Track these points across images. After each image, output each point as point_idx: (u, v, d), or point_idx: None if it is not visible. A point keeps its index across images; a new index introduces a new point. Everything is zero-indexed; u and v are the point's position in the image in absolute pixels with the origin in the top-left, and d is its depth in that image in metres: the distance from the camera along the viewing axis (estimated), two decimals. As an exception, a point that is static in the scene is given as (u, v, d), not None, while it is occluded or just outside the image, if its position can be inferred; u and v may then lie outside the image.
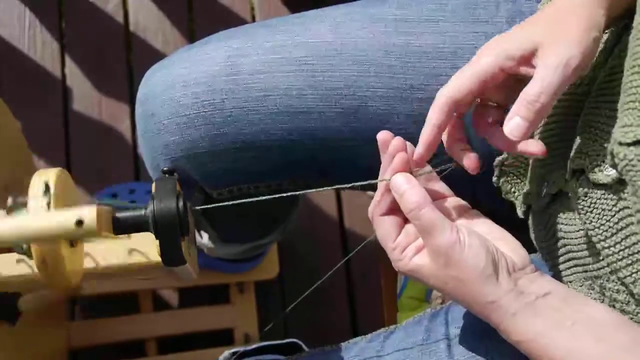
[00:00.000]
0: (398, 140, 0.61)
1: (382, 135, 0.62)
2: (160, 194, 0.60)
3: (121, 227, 0.60)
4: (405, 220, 0.61)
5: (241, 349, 0.80)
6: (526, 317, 0.56)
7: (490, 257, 0.56)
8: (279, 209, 0.98)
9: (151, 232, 0.60)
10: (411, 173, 0.61)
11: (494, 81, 0.59)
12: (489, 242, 0.57)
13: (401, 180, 0.59)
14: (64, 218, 0.53)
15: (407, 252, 0.59)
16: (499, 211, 0.80)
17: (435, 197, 0.63)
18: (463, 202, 0.63)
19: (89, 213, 0.53)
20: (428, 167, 0.64)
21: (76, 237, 0.53)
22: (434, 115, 0.60)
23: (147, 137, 0.80)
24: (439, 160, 0.64)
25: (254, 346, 0.79)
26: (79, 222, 0.52)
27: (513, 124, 0.57)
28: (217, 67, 0.77)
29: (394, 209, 0.61)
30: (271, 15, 1.50)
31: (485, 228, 0.60)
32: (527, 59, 0.58)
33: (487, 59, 0.58)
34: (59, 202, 0.57)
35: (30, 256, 0.57)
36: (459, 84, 0.59)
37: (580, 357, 0.54)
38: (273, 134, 0.76)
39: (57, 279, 0.58)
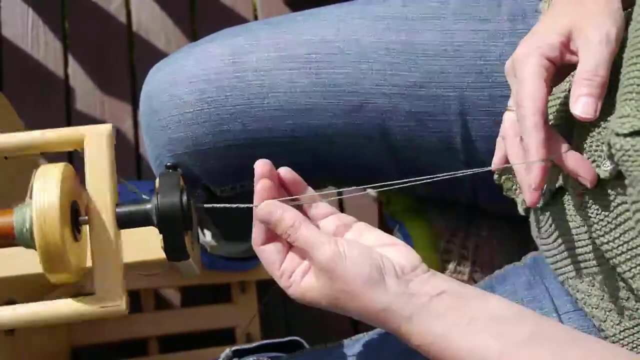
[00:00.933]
0: (260, 166, 0.59)
1: (258, 168, 0.60)
2: (164, 189, 0.60)
3: (125, 221, 0.61)
4: (290, 246, 0.59)
5: (242, 346, 0.80)
6: (422, 319, 0.54)
7: (374, 263, 0.55)
8: None
9: (155, 226, 0.60)
10: (293, 197, 0.60)
11: (550, 77, 0.57)
12: (372, 251, 0.56)
13: (269, 209, 0.58)
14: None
15: (295, 277, 0.58)
16: (500, 209, 0.80)
17: (320, 217, 0.62)
18: (349, 218, 0.61)
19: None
20: (310, 189, 0.62)
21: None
22: (537, 136, 0.56)
23: (151, 134, 0.80)
24: None
25: (255, 344, 0.79)
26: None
27: (581, 104, 0.55)
28: (221, 65, 0.77)
29: (274, 236, 0.59)
30: (273, 15, 1.50)
31: (373, 237, 0.59)
32: (567, 44, 0.57)
33: (532, 59, 0.57)
34: (64, 195, 0.58)
35: (34, 247, 0.57)
36: (537, 95, 0.56)
37: (481, 355, 0.53)
38: (276, 131, 0.77)
39: (60, 273, 0.59)
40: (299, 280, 0.58)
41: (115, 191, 0.61)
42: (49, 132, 0.61)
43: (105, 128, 0.61)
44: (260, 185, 0.59)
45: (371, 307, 0.55)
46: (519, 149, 0.60)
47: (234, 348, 0.81)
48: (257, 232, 0.59)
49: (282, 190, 0.61)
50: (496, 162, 0.65)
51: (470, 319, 0.54)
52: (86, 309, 0.59)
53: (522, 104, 0.57)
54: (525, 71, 0.57)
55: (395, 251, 0.57)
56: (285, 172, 0.61)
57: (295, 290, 0.58)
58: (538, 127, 0.56)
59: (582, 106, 0.55)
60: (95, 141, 0.61)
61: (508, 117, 0.63)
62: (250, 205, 0.60)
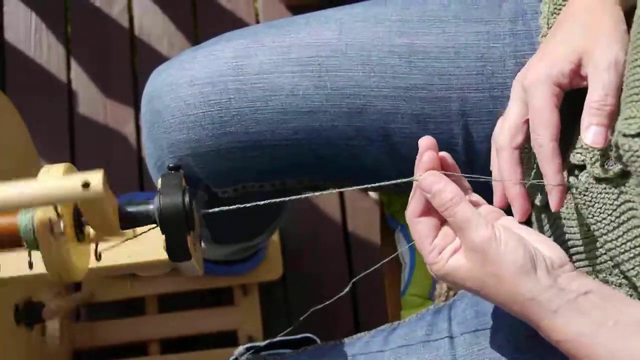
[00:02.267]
0: (427, 140, 0.60)
1: (423, 141, 0.61)
2: (167, 189, 0.60)
3: (127, 222, 0.61)
4: (443, 222, 0.59)
5: (255, 344, 0.80)
6: (568, 315, 0.54)
7: (527, 253, 0.55)
8: (272, 211, 0.98)
9: (157, 227, 0.60)
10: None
11: (559, 103, 0.60)
12: (526, 240, 0.56)
13: (432, 179, 0.58)
14: (71, 181, 0.52)
15: (444, 254, 0.58)
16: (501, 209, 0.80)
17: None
18: (497, 209, 0.62)
19: (95, 176, 0.52)
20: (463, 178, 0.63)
21: (83, 198, 0.53)
22: (554, 164, 0.60)
23: (153, 136, 0.81)
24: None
25: (267, 342, 0.80)
26: (86, 185, 0.52)
27: (592, 133, 0.57)
28: (223, 67, 0.78)
29: (430, 209, 0.59)
30: (275, 19, 1.51)
31: (522, 230, 0.59)
32: (577, 71, 0.59)
33: (544, 87, 0.59)
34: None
35: (37, 248, 0.58)
36: (551, 122, 0.59)
37: (624, 357, 0.53)
38: (279, 133, 0.77)
39: (63, 273, 0.59)
40: (447, 257, 0.58)
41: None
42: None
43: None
44: (427, 156, 0.59)
45: (519, 295, 0.55)
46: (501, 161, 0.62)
47: (247, 345, 0.81)
48: (414, 203, 0.60)
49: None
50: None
51: (615, 321, 0.54)
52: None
53: (539, 132, 0.59)
54: (539, 99, 0.59)
55: (545, 246, 0.58)
56: (446, 155, 0.61)
57: (441, 268, 0.58)
58: (555, 154, 0.59)
59: (593, 136, 0.57)
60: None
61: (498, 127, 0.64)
62: (413, 179, 0.60)
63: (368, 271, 0.67)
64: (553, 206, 0.60)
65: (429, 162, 0.59)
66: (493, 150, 0.64)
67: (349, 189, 0.67)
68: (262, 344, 0.79)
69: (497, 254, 0.55)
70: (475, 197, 0.63)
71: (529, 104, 0.60)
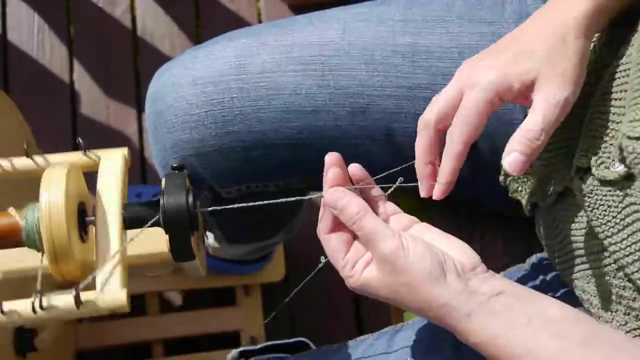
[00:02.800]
0: (331, 156, 0.61)
1: (327, 157, 0.61)
2: (170, 190, 0.60)
3: (132, 222, 0.61)
4: (355, 237, 0.60)
5: (249, 348, 0.80)
6: (481, 318, 0.55)
7: (435, 259, 0.56)
8: (285, 210, 0.98)
9: (161, 227, 0.60)
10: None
11: (492, 111, 0.60)
12: (434, 247, 0.57)
13: (337, 195, 0.59)
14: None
15: (357, 267, 0.59)
16: (505, 210, 0.80)
17: (384, 218, 0.62)
18: (412, 218, 0.62)
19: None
20: (377, 188, 0.63)
21: None
22: (456, 162, 0.60)
23: (157, 136, 0.80)
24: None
25: (261, 345, 0.80)
26: None
27: (512, 159, 0.58)
28: (226, 67, 0.78)
29: (341, 225, 0.60)
30: (277, 19, 1.51)
31: (434, 236, 0.60)
32: (524, 92, 0.59)
33: (484, 94, 0.59)
34: (71, 196, 0.58)
35: (40, 250, 0.58)
36: (473, 125, 0.59)
37: (539, 355, 0.53)
38: (282, 132, 0.77)
39: (66, 273, 0.59)
40: (360, 270, 0.58)
41: (124, 192, 0.61)
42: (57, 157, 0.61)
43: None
44: (331, 173, 0.60)
45: (431, 302, 0.56)
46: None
47: (240, 349, 0.81)
48: (324, 220, 0.60)
49: (350, 184, 0.62)
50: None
51: (528, 320, 0.54)
52: (88, 306, 0.60)
53: (457, 128, 0.60)
54: (473, 101, 0.59)
55: (456, 250, 0.58)
56: (354, 169, 0.62)
57: (356, 281, 0.58)
58: (459, 156, 0.60)
59: (512, 161, 0.58)
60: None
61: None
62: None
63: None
64: (435, 196, 0.62)
65: (333, 179, 0.60)
66: (418, 128, 0.64)
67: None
68: (256, 347, 0.78)
69: (405, 263, 0.56)
70: (391, 207, 0.63)
71: (464, 98, 0.60)
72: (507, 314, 0.55)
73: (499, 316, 0.55)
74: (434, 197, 0.62)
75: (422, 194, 0.63)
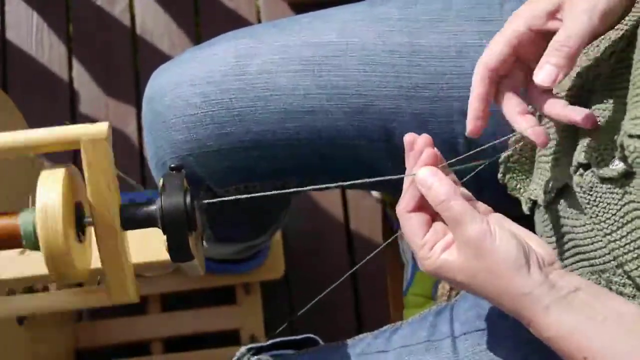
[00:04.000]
0: (425, 138, 0.61)
1: (409, 137, 0.61)
2: (168, 190, 0.60)
3: (129, 223, 0.61)
4: (433, 218, 0.60)
5: (257, 344, 0.80)
6: (559, 311, 0.55)
7: (521, 248, 0.56)
8: (273, 210, 0.98)
9: (159, 227, 0.60)
10: None
11: (525, 42, 0.59)
12: (519, 236, 0.57)
13: (428, 173, 0.59)
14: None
15: (436, 248, 0.58)
16: (504, 208, 0.80)
17: None
18: (485, 206, 0.62)
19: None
20: (452, 174, 0.63)
21: (87, 136, 0.57)
22: (476, 86, 0.61)
23: (154, 136, 0.80)
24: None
25: (269, 342, 0.80)
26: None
27: (543, 71, 0.57)
28: (225, 67, 0.77)
29: (422, 206, 0.60)
30: (277, 18, 1.50)
31: (512, 227, 0.59)
32: (553, 13, 0.59)
33: (515, 22, 0.60)
34: (68, 196, 0.58)
35: (38, 249, 0.57)
36: (492, 50, 0.60)
37: (614, 353, 0.54)
38: (280, 133, 0.77)
39: (64, 274, 0.59)
40: (439, 252, 0.58)
41: (117, 192, 0.61)
42: (40, 131, 0.60)
43: (101, 128, 0.59)
44: (427, 152, 0.60)
45: (512, 290, 0.55)
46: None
47: (249, 346, 0.81)
48: (407, 198, 0.60)
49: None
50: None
51: (604, 317, 0.54)
52: (99, 299, 0.61)
53: (483, 53, 0.61)
54: (503, 30, 0.60)
55: (535, 242, 0.58)
56: (438, 153, 0.62)
57: (432, 263, 0.58)
58: (479, 78, 0.61)
59: (543, 73, 0.57)
60: (92, 143, 0.60)
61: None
62: (410, 175, 0.61)
63: (369, 257, 0.69)
64: (467, 132, 0.63)
65: (427, 158, 0.60)
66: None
67: (348, 183, 0.66)
68: (265, 344, 0.78)
69: (491, 248, 0.55)
70: (465, 192, 0.63)
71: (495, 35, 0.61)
72: (585, 310, 0.55)
73: (577, 312, 0.55)
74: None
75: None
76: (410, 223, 0.59)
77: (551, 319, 0.55)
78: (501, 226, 0.57)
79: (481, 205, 0.62)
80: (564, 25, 0.58)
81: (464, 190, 0.62)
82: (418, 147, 0.60)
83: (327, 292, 0.69)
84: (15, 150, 0.60)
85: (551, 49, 0.57)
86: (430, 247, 0.58)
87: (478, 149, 0.66)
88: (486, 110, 0.62)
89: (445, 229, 0.59)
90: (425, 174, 0.59)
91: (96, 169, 0.60)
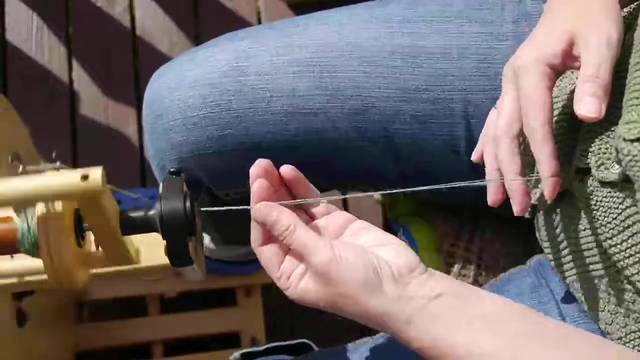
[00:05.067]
0: (256, 167, 0.58)
1: (253, 169, 0.59)
2: (168, 194, 0.60)
3: (129, 227, 0.61)
4: (289, 247, 0.58)
5: (251, 349, 0.80)
6: (422, 323, 0.54)
7: (369, 267, 0.54)
8: None
9: (158, 232, 0.60)
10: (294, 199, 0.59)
11: (552, 85, 0.58)
12: (367, 253, 0.55)
13: (265, 211, 0.57)
14: (70, 175, 0.52)
15: (292, 279, 0.57)
16: (505, 212, 0.80)
17: (320, 215, 0.61)
18: (348, 215, 0.60)
19: (94, 170, 0.53)
20: (313, 189, 0.61)
21: (82, 191, 0.53)
22: (548, 148, 0.57)
23: (154, 138, 0.80)
24: None
25: (263, 347, 0.79)
26: (85, 177, 0.52)
27: (585, 103, 0.55)
28: (224, 69, 0.77)
29: (272, 237, 0.58)
30: (277, 19, 1.50)
31: (370, 237, 0.58)
32: (569, 52, 0.57)
33: (535, 68, 0.57)
34: (68, 202, 0.58)
35: (37, 256, 0.57)
36: (543, 107, 0.57)
37: (481, 355, 0.53)
38: (280, 134, 0.77)
39: (63, 279, 0.59)
40: (296, 281, 0.57)
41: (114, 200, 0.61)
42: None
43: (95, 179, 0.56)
44: (257, 185, 0.58)
45: (369, 311, 0.54)
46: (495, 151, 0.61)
47: (243, 351, 0.81)
48: (255, 233, 0.59)
49: (283, 189, 0.60)
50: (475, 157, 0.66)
51: (469, 320, 0.53)
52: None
53: (530, 115, 0.57)
54: (529, 81, 0.57)
55: (393, 252, 0.56)
56: (286, 170, 0.59)
57: (294, 292, 0.57)
58: (548, 138, 0.57)
59: (586, 105, 0.55)
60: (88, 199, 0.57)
61: (491, 117, 0.63)
62: (247, 207, 0.59)
63: None
64: (547, 195, 0.58)
65: (259, 191, 0.58)
66: (486, 143, 0.62)
67: (333, 197, 0.63)
68: (259, 349, 0.78)
69: (338, 274, 0.54)
70: (324, 207, 0.61)
71: (520, 87, 0.58)
72: (448, 316, 0.54)
73: (439, 319, 0.54)
74: (549, 198, 0.58)
75: (517, 211, 0.60)
76: (265, 256, 0.58)
77: (414, 331, 0.54)
78: (348, 247, 0.55)
79: (341, 216, 0.60)
80: (587, 60, 0.56)
81: (323, 205, 0.60)
82: (251, 179, 0.58)
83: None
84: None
85: (584, 83, 0.55)
86: (287, 277, 0.57)
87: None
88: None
89: (300, 257, 0.57)
90: (260, 212, 0.57)
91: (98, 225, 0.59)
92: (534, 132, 0.57)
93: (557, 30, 0.58)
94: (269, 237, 0.58)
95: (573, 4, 0.60)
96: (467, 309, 0.54)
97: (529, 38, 0.61)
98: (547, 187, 0.58)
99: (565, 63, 0.58)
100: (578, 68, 0.57)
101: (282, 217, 0.56)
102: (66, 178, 0.53)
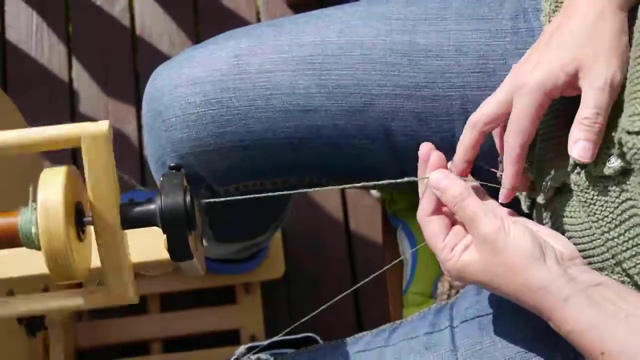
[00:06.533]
0: (430, 145, 0.64)
1: (424, 148, 0.64)
2: (168, 189, 0.60)
3: (129, 222, 0.61)
4: (453, 222, 0.61)
5: (257, 343, 0.80)
6: (579, 305, 0.54)
7: (536, 242, 0.57)
8: (274, 209, 0.98)
9: (159, 226, 0.60)
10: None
11: (544, 111, 0.61)
12: (534, 232, 0.58)
13: (440, 176, 0.61)
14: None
15: (456, 250, 0.59)
16: (503, 205, 0.80)
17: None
18: (505, 208, 0.63)
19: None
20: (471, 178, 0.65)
21: (88, 134, 0.58)
22: (517, 167, 0.62)
23: (154, 135, 0.81)
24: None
25: (268, 341, 0.80)
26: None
27: (579, 148, 0.58)
28: (224, 66, 0.78)
29: (440, 209, 0.61)
30: (276, 17, 1.51)
31: (531, 225, 0.60)
32: (572, 82, 0.59)
33: (534, 95, 0.59)
34: (68, 196, 0.58)
35: (39, 249, 0.58)
36: (524, 132, 0.60)
37: (635, 350, 0.53)
38: (280, 131, 0.77)
39: (65, 273, 0.59)
40: (459, 254, 0.59)
41: (117, 191, 0.61)
42: (41, 129, 0.61)
43: (102, 126, 0.60)
44: (435, 156, 0.63)
45: (530, 284, 0.56)
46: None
47: (248, 345, 0.81)
48: (425, 203, 0.62)
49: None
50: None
51: (627, 314, 0.54)
52: (99, 299, 0.62)
53: (512, 135, 0.60)
54: (524, 105, 0.60)
55: (555, 239, 0.59)
56: (443, 156, 0.64)
57: (454, 264, 0.59)
58: (519, 159, 0.61)
59: (580, 150, 0.58)
60: (93, 141, 0.60)
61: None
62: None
63: (371, 277, 0.70)
64: (501, 200, 0.62)
65: (436, 161, 0.62)
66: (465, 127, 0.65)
67: (349, 185, 0.68)
68: (264, 343, 0.78)
69: (505, 243, 0.56)
70: (482, 192, 0.64)
71: (514, 104, 0.61)
72: (606, 305, 0.54)
73: (597, 306, 0.54)
74: (500, 201, 0.63)
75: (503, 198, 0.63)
76: (431, 227, 0.61)
77: (570, 311, 0.55)
78: (517, 222, 0.58)
79: (496, 205, 0.63)
80: (588, 101, 0.58)
81: (480, 190, 0.64)
82: (423, 154, 0.63)
83: (327, 292, 0.69)
84: (16, 148, 0.60)
85: (581, 126, 0.58)
86: (450, 249, 0.60)
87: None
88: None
89: (465, 231, 0.60)
90: (437, 176, 0.61)
91: (97, 167, 0.60)
92: (510, 150, 0.61)
93: (565, 58, 0.59)
94: (438, 208, 0.61)
95: (584, 27, 0.60)
96: (626, 304, 0.54)
97: (535, 50, 0.62)
98: (502, 196, 0.63)
99: (564, 92, 0.60)
100: (574, 95, 0.60)
101: (455, 184, 0.60)
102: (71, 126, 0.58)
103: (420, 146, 0.64)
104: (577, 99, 0.60)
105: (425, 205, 0.62)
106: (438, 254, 0.60)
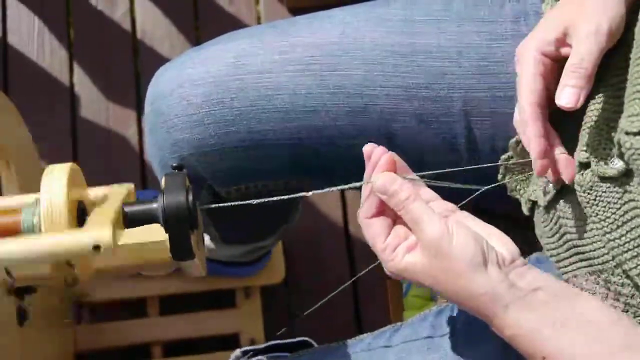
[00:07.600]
0: (381, 149, 0.63)
1: (367, 148, 0.64)
2: (170, 188, 0.60)
3: (131, 221, 0.61)
4: (394, 222, 0.61)
5: (252, 347, 0.80)
6: (519, 311, 0.56)
7: (479, 247, 0.57)
8: (282, 210, 0.98)
9: (161, 225, 0.60)
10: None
11: (547, 70, 0.61)
12: (478, 235, 0.58)
13: (388, 179, 0.60)
14: (82, 240, 0.55)
15: (398, 251, 0.59)
16: (504, 209, 0.81)
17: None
18: (450, 205, 0.63)
19: (105, 236, 0.55)
20: (413, 174, 0.65)
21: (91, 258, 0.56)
22: (536, 128, 0.61)
23: (156, 136, 0.81)
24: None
25: (264, 345, 0.80)
26: (96, 247, 0.55)
27: (565, 94, 0.58)
28: (226, 67, 0.78)
29: (382, 211, 0.61)
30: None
31: (474, 225, 0.60)
32: (562, 40, 0.61)
33: (529, 54, 0.61)
34: (71, 194, 0.58)
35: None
36: (534, 88, 0.61)
37: (571, 355, 0.54)
38: (281, 132, 0.77)
39: (68, 275, 0.59)
40: (401, 255, 0.59)
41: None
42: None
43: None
44: (384, 159, 0.62)
45: (472, 290, 0.56)
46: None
47: (243, 349, 0.81)
48: (367, 205, 0.62)
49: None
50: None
51: (564, 318, 0.55)
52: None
53: (521, 95, 0.61)
54: (523, 68, 0.62)
55: (497, 241, 0.59)
56: (395, 156, 0.63)
57: (396, 265, 0.59)
58: (534, 117, 0.60)
59: (566, 96, 0.58)
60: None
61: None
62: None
63: (370, 267, 0.69)
64: (536, 172, 0.61)
65: (385, 164, 0.62)
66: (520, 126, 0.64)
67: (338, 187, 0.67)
68: (260, 347, 0.78)
69: (448, 248, 0.56)
70: (428, 193, 0.64)
71: (518, 72, 0.63)
72: (543, 311, 0.55)
73: (536, 312, 0.55)
74: (537, 172, 0.62)
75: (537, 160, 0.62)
76: (372, 228, 0.61)
77: (510, 318, 0.56)
78: (460, 226, 0.58)
79: (443, 204, 0.63)
80: (574, 50, 0.59)
81: (427, 191, 0.64)
82: (375, 156, 0.62)
83: (325, 290, 0.69)
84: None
85: (567, 72, 0.59)
86: (392, 249, 0.60)
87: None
88: (550, 149, 0.62)
89: (407, 232, 0.60)
90: (383, 180, 0.60)
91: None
92: (522, 111, 0.61)
93: (554, 21, 0.62)
94: (379, 211, 0.61)
95: (572, 2, 0.62)
96: (564, 308, 0.56)
97: (531, 31, 0.64)
98: (536, 169, 0.61)
99: (559, 50, 0.61)
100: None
101: (404, 187, 0.60)
102: (78, 242, 0.56)
103: (364, 147, 0.63)
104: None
105: (366, 209, 0.61)
106: (379, 254, 0.61)
